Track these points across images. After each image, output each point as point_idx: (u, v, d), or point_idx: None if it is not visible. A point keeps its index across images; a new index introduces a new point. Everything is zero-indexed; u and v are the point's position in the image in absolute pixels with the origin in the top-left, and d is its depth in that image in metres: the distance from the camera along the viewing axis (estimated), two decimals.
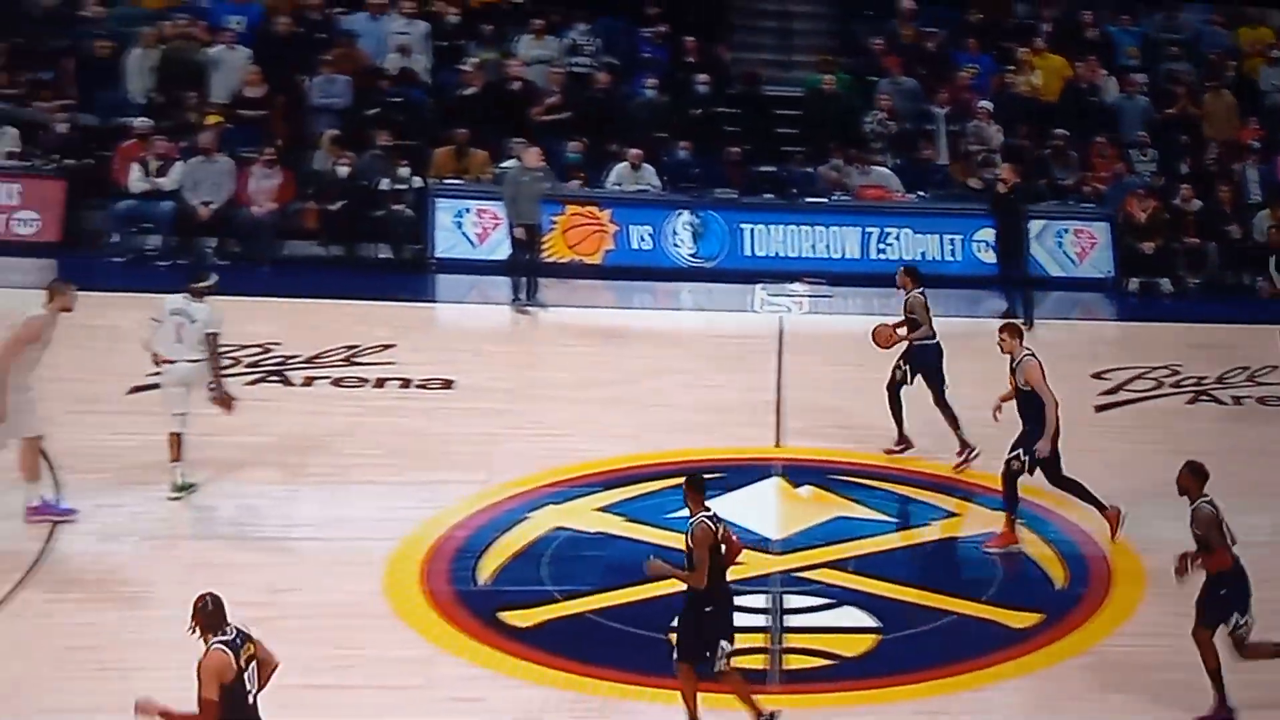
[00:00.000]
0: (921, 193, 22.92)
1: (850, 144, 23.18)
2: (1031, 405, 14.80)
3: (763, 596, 14.04)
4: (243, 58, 23.49)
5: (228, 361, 17.87)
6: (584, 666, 13.06)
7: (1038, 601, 14.16)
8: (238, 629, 10.34)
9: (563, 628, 13.56)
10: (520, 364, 18.73)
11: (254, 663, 10.39)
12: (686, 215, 22.23)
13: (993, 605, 14.11)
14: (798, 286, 21.59)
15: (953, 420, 16.39)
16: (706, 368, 17.39)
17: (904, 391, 16.46)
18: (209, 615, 10.31)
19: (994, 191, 21.23)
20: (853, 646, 13.52)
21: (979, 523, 15.38)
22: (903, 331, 16.48)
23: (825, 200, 22.71)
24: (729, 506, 15.33)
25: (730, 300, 20.81)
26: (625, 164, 22.74)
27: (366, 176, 22.17)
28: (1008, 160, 22.01)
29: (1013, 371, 14.88)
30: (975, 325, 18.47)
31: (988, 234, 21.57)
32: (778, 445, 16.89)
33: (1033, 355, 14.86)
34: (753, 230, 22.29)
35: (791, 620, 13.82)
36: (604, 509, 15.39)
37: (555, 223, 21.58)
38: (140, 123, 22.35)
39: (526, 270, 20.63)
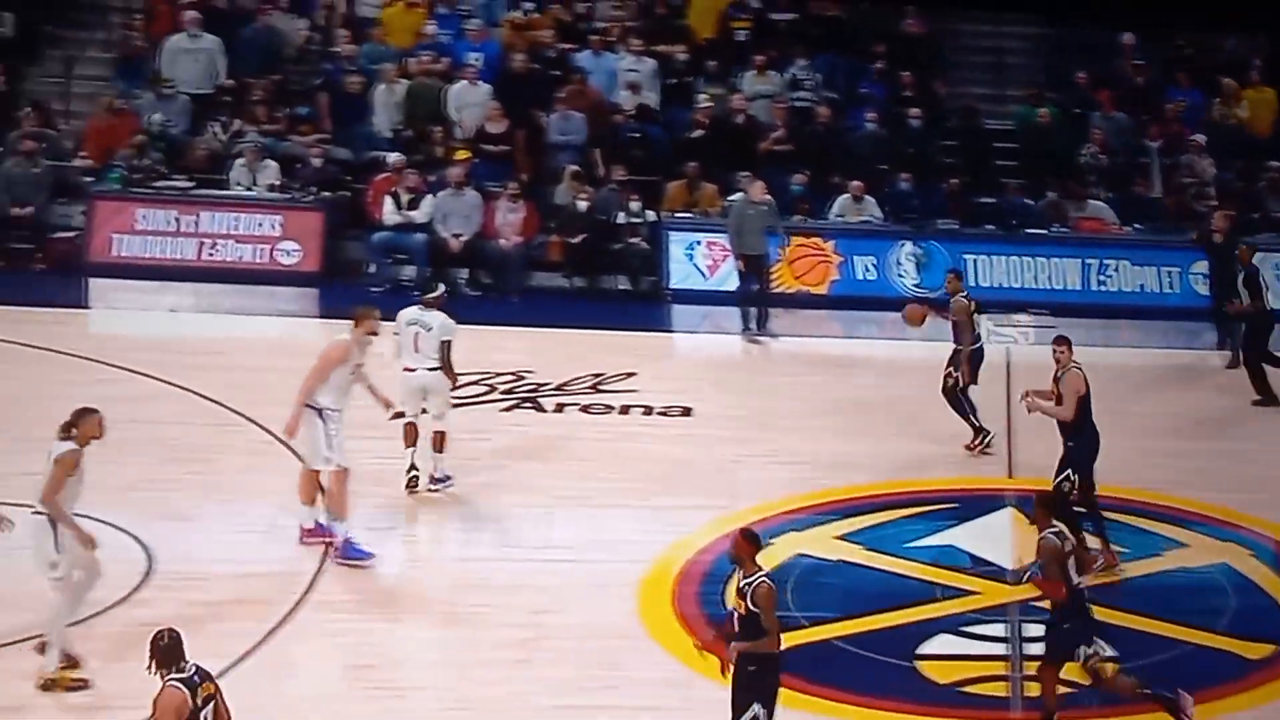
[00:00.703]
0: (1137, 225, 22.77)
1: (1066, 177, 23.08)
2: (1071, 423, 14.66)
3: (1001, 626, 14.00)
4: (483, 94, 23.85)
5: (484, 388, 18.51)
6: (831, 691, 13.10)
7: (1272, 632, 13.95)
8: (196, 667, 9.93)
9: (809, 653, 13.54)
10: (755, 392, 18.79)
11: (212, 702, 9.91)
12: (910, 246, 22.22)
13: (1226, 635, 13.94)
14: (1022, 317, 21.47)
15: (966, 412, 16.91)
16: (935, 397, 17.35)
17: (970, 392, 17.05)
18: (165, 651, 9.90)
19: (1208, 239, 20.93)
20: (1091, 675, 13.46)
21: (1209, 553, 15.24)
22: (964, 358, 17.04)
23: (1045, 231, 22.61)
24: (964, 537, 15.46)
25: None
26: (847, 196, 22.80)
27: (604, 210, 22.45)
28: (1222, 199, 21.77)
29: (1056, 380, 14.79)
30: (1197, 359, 18.35)
31: (1203, 267, 21.37)
32: (1010, 476, 16.85)
33: (1079, 370, 14.74)
34: (975, 260, 22.21)
35: (1031, 649, 13.71)
36: (843, 537, 15.41)
37: (781, 254, 21.62)
38: (392, 157, 22.74)
39: (756, 300, 20.76)
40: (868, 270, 22.28)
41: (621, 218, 22.32)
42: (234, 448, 16.68)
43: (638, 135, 23.55)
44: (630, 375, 18.91)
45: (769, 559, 14.79)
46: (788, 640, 13.46)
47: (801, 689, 13.04)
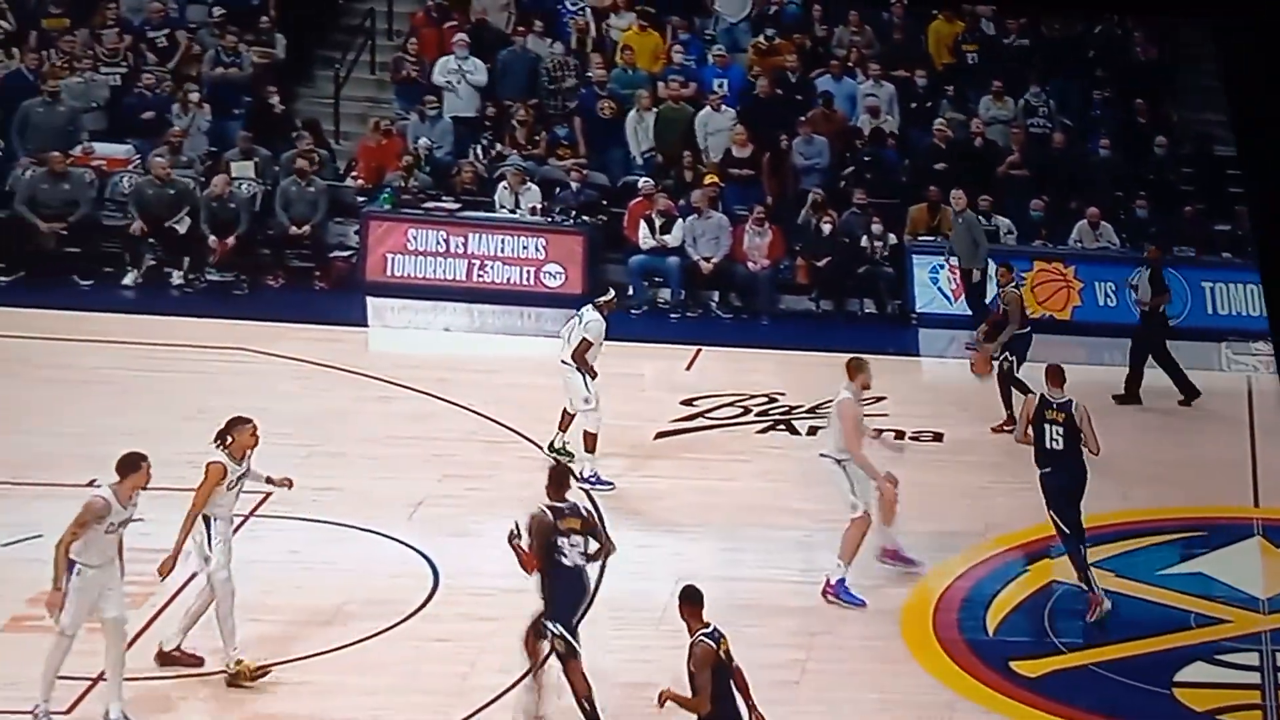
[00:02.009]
0: None
1: None
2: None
3: (1254, 654, 13.97)
4: (729, 119, 23.97)
5: (738, 410, 18.69)
6: (1090, 716, 13.19)
7: None
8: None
9: (1068, 678, 13.66)
10: (1004, 416, 18.59)
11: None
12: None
13: None
14: (1261, 345, 21.14)
15: (1009, 396, 17.68)
16: (1180, 424, 17.25)
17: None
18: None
19: None
20: None
21: None
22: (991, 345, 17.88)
23: None
24: (1211, 565, 15.39)
25: (1196, 358, 20.42)
26: (1084, 221, 22.66)
27: (848, 233, 22.54)
28: None
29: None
30: None
31: None
32: (1256, 505, 16.72)
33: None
34: (1213, 288, 21.99)
35: None
36: (1096, 564, 15.24)
37: (1024, 279, 21.49)
38: (644, 182, 22.99)
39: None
40: (1108, 296, 22.13)
41: (865, 241, 22.40)
42: (509, 464, 16.95)
43: (873, 159, 23.59)
44: (880, 399, 18.87)
45: (1025, 586, 15.07)
46: (1049, 665, 13.84)
47: (1061, 713, 13.17)
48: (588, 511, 12.98)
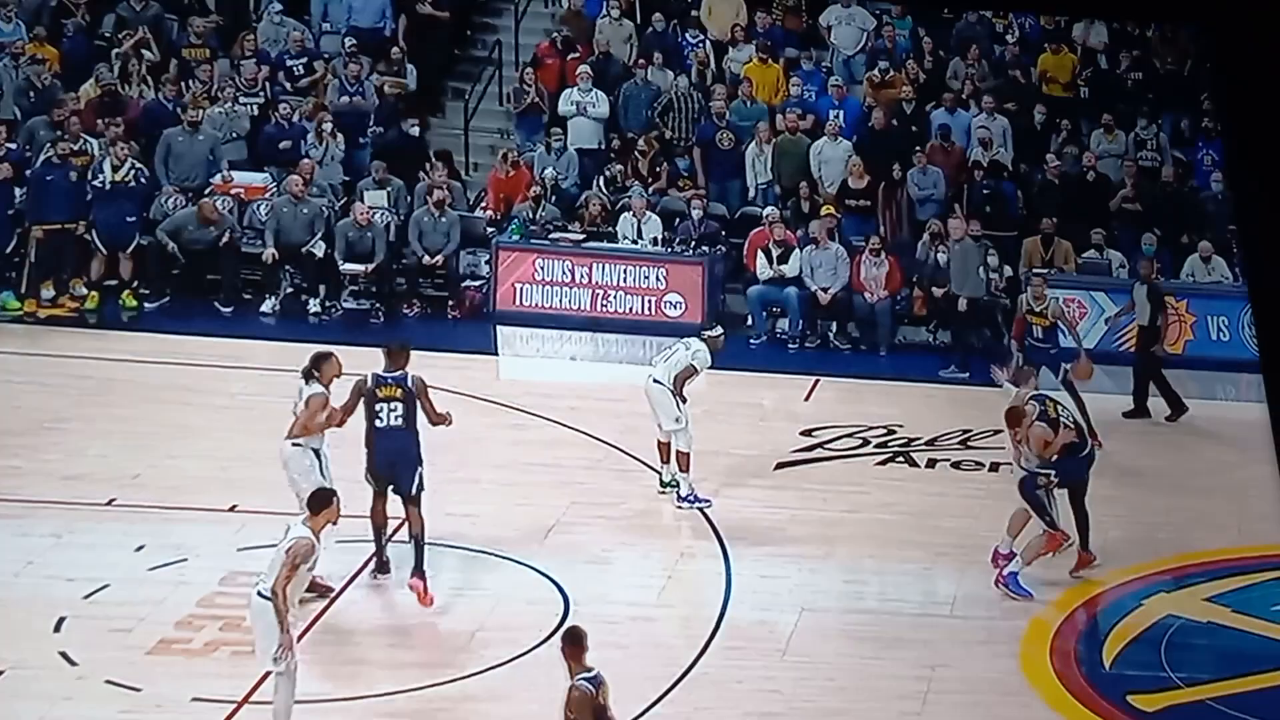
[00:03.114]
0: None
1: None
2: None
3: None
4: (845, 150, 24.01)
5: (857, 441, 18.75)
6: None
7: None
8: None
9: (1186, 713, 13.67)
10: (1119, 450, 18.47)
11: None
12: None
13: None
14: None
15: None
16: None
17: None
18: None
19: None
20: None
21: None
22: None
23: None
24: None
25: None
26: (1196, 255, 22.48)
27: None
28: None
29: None
30: None
31: None
32: None
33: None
34: None
35: None
36: (1211, 599, 15.33)
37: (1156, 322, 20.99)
38: (767, 212, 23.03)
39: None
40: (1220, 331, 21.96)
41: (981, 273, 22.34)
42: (635, 493, 17.08)
43: (988, 191, 23.52)
44: (998, 432, 18.80)
45: (1141, 620, 15.04)
46: (1167, 699, 13.79)
47: None
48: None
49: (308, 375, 14.55)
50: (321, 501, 12.59)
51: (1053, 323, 18.91)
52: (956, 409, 19.30)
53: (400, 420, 14.88)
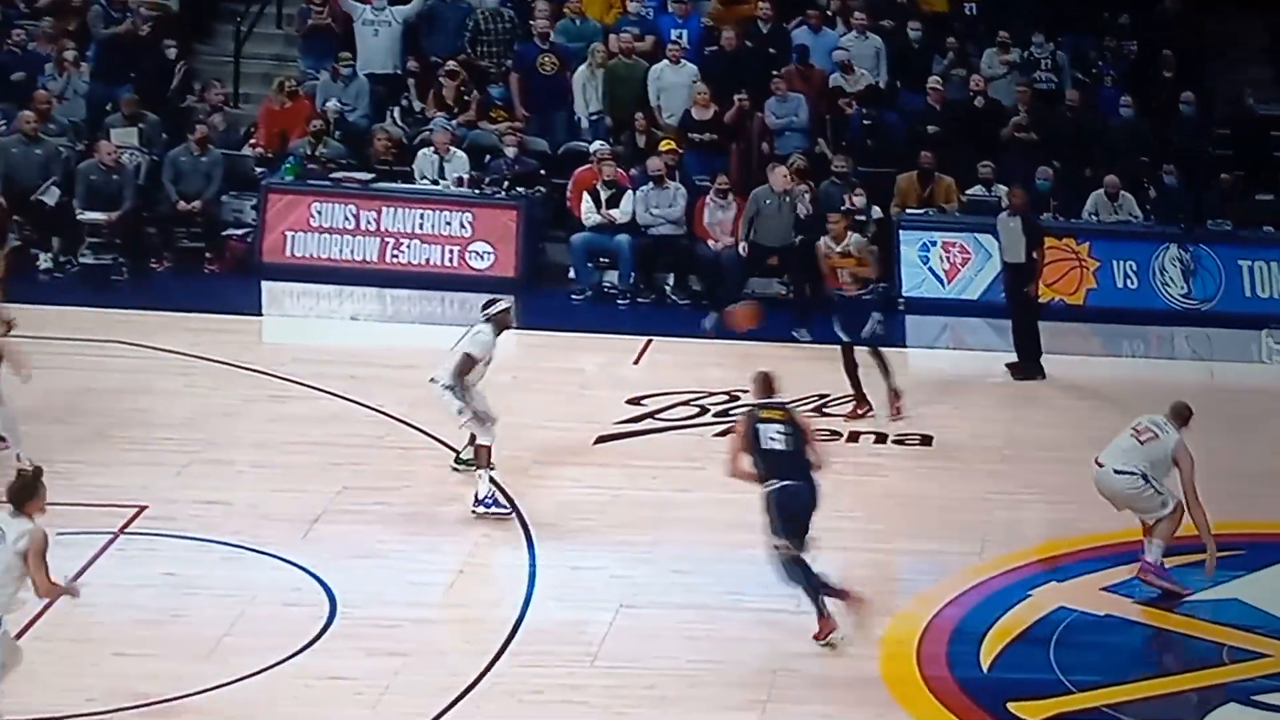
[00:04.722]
0: None
1: None
2: None
3: None
4: (689, 75, 23.61)
5: (694, 409, 18.41)
6: None
7: None
8: None
9: None
10: (1003, 418, 18.34)
11: None
12: (1175, 250, 21.59)
13: None
14: None
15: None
16: (1215, 425, 16.74)
17: None
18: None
19: None
20: None
21: None
22: None
23: None
24: (1251, 589, 14.87)
25: (1232, 348, 20.08)
26: (1101, 192, 22.24)
27: (826, 207, 21.99)
28: None
29: None
30: None
31: None
32: None
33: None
34: (1252, 267, 21.55)
35: None
36: (1110, 588, 14.88)
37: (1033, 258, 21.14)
38: (596, 147, 22.58)
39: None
40: (1128, 278, 21.73)
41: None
42: (422, 474, 16.65)
43: (870, 121, 23.17)
44: (852, 397, 18.59)
45: (1026, 614, 14.56)
46: (1055, 706, 13.24)
47: None
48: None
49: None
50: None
51: (861, 264, 18.37)
52: (813, 371, 18.81)
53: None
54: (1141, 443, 14.84)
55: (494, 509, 15.86)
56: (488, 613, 14.35)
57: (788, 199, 21.27)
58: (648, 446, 17.68)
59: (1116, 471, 14.77)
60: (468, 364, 15.97)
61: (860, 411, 18.24)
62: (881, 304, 18.57)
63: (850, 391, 18.31)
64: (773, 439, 14.03)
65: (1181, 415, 15.00)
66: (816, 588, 14.02)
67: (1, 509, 12.06)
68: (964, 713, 13.29)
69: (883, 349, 18.30)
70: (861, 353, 18.21)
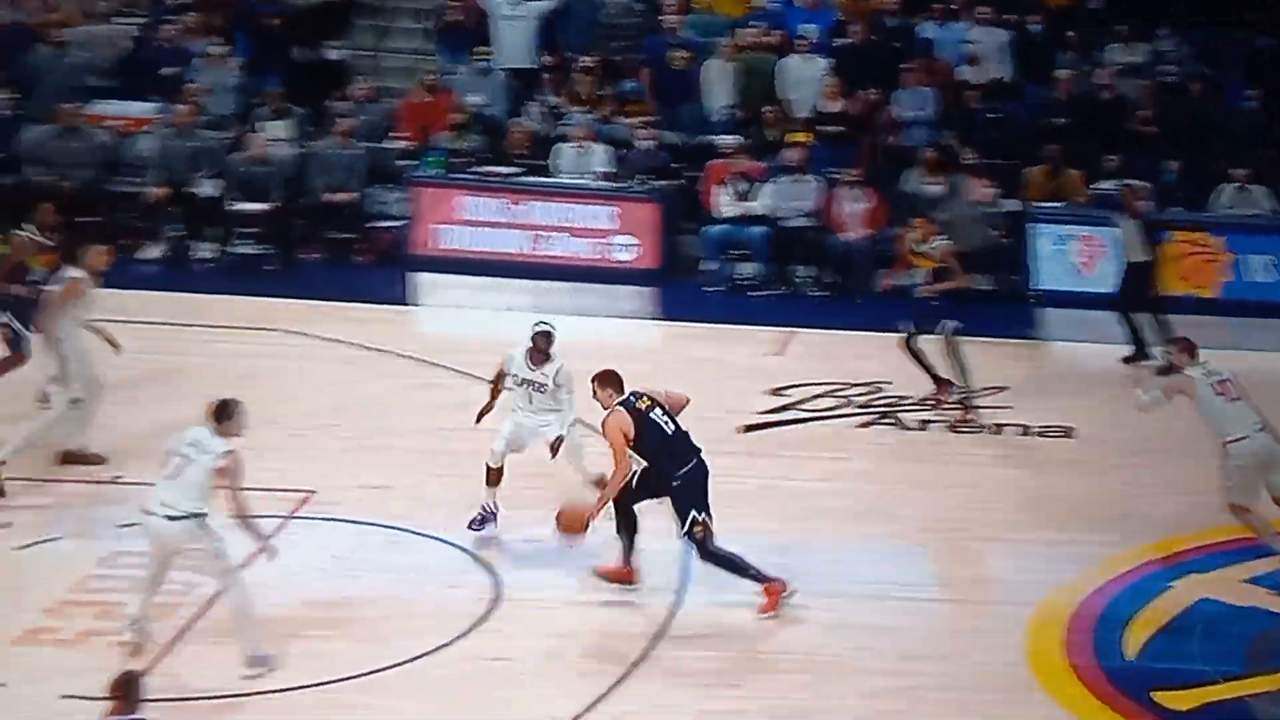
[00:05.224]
0: None
1: None
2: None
3: None
4: (819, 69, 23.61)
5: (838, 400, 18.43)
6: None
7: None
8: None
9: (1222, 712, 13.10)
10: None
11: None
12: None
13: None
14: None
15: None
16: None
17: None
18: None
19: None
20: None
21: None
22: None
23: None
24: None
25: None
26: (1231, 185, 22.09)
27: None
28: None
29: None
30: None
31: None
32: None
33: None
34: None
35: None
36: (1252, 580, 14.84)
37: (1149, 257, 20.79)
38: (728, 140, 22.61)
39: None
40: (1266, 270, 21.55)
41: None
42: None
43: (996, 115, 23.10)
44: (1001, 389, 18.60)
45: (1169, 605, 14.51)
46: (1201, 696, 13.23)
47: None
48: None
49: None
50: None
51: (941, 266, 18.14)
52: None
53: None
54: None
55: (482, 526, 15.39)
56: (644, 597, 14.34)
57: (981, 208, 21.30)
58: (793, 436, 17.65)
59: None
60: (498, 378, 15.57)
61: (943, 397, 18.05)
62: (957, 309, 18.14)
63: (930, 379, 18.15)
64: (665, 424, 13.94)
65: None
66: (742, 565, 14.05)
67: (204, 425, 12.85)
68: (1110, 701, 13.28)
69: (959, 348, 18.04)
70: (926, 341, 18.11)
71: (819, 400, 18.43)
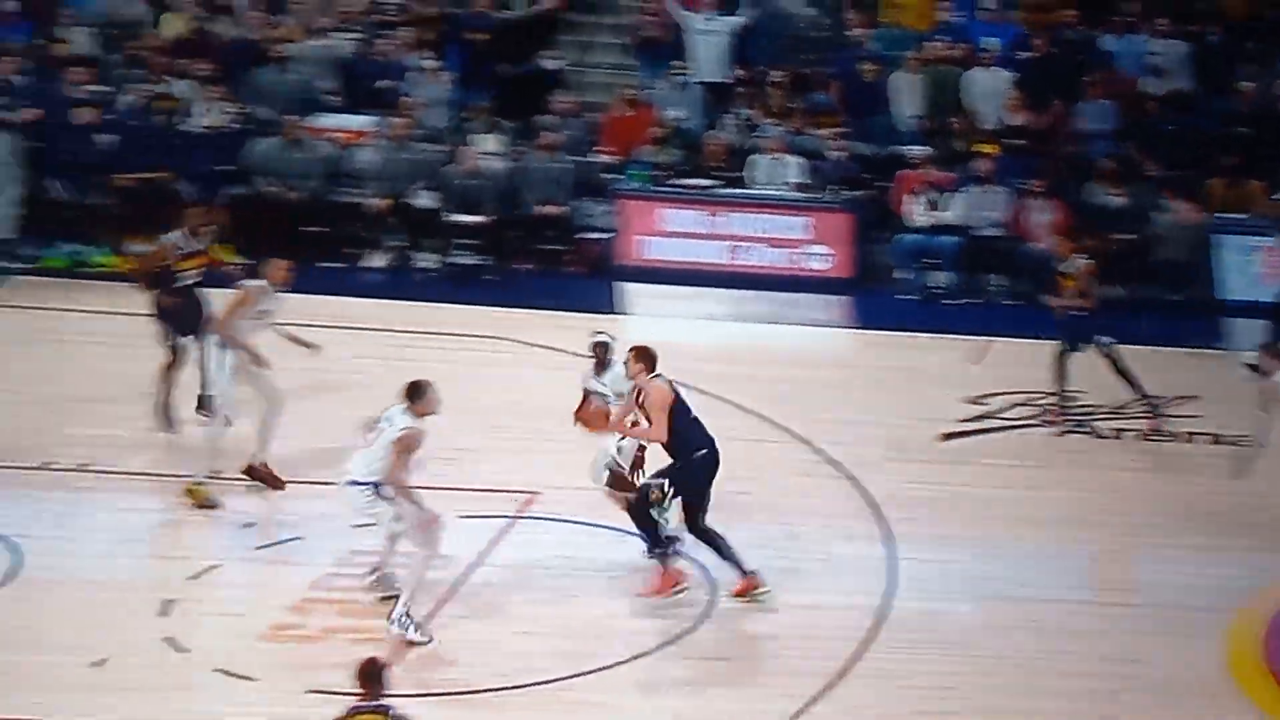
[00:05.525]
0: None
1: None
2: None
3: None
4: (1003, 81, 23.82)
5: (1033, 410, 18.62)
6: None
7: None
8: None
9: None
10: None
11: None
12: None
13: None
14: None
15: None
16: None
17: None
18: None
19: None
20: None
21: None
22: None
23: None
24: None
25: None
26: None
27: (1140, 210, 22.24)
28: None
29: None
30: None
31: None
32: None
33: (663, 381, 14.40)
34: None
35: None
36: None
37: None
38: (917, 151, 22.89)
39: None
40: None
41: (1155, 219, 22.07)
42: (780, 463, 17.13)
43: (1167, 126, 23.24)
44: (1191, 398, 18.84)
45: None
46: None
47: None
48: None
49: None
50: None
51: (1081, 288, 18.31)
52: (1143, 372, 18.67)
53: None
54: None
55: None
56: (851, 600, 14.70)
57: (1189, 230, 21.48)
58: (993, 444, 17.88)
59: None
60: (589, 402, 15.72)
61: (1054, 419, 18.26)
62: (1105, 322, 18.39)
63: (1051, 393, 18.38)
64: (690, 406, 14.30)
65: None
66: (660, 539, 14.44)
67: (399, 403, 13.70)
68: None
69: (1121, 360, 18.22)
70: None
71: (1017, 409, 18.59)
